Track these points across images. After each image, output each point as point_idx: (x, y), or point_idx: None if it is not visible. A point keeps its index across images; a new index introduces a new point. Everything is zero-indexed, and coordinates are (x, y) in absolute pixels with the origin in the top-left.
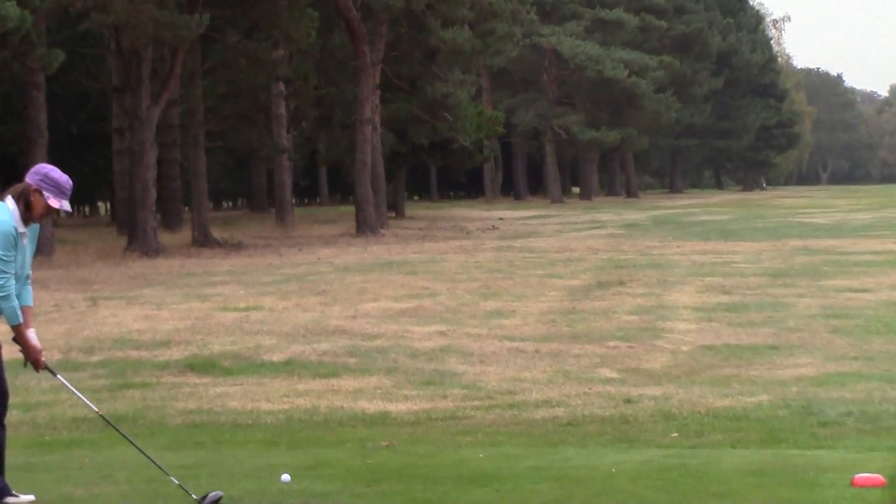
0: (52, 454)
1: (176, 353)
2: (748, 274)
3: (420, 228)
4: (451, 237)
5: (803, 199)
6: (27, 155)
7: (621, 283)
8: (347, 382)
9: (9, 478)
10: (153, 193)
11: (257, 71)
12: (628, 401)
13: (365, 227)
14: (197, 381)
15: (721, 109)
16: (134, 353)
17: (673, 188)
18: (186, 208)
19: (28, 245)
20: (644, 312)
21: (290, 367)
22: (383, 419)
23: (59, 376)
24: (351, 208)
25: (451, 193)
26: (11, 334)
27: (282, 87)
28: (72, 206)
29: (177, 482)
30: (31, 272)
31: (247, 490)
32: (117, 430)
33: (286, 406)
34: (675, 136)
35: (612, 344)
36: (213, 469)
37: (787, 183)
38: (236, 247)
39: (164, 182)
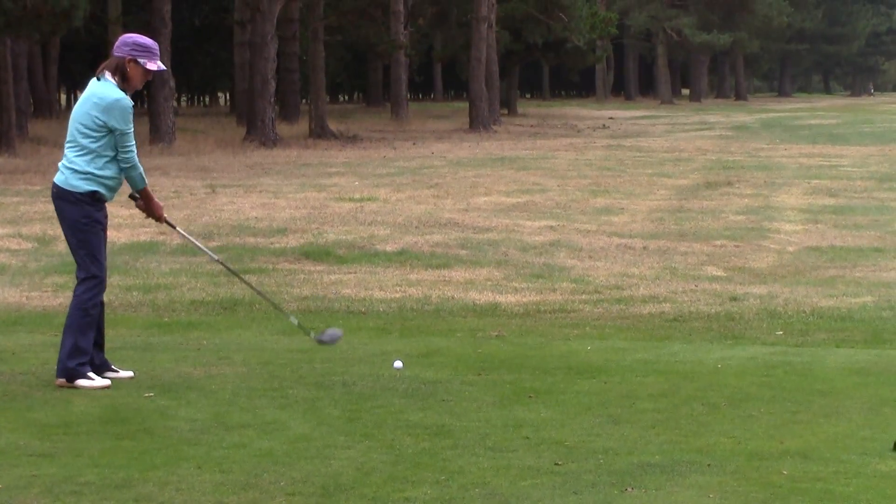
0: (171, 335)
1: (292, 241)
2: (855, 177)
3: (531, 126)
4: (561, 135)
5: None
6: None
7: (729, 183)
8: (459, 274)
9: (128, 356)
10: (272, 85)
11: None
12: (734, 299)
13: (478, 123)
14: (312, 268)
15: (832, 15)
16: (251, 240)
17: (781, 92)
18: (304, 101)
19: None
20: (751, 213)
21: (402, 258)
22: (493, 310)
23: (178, 229)
24: (464, 104)
25: (563, 92)
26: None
27: None
28: (192, 97)
29: (296, 322)
30: None
31: (360, 374)
32: (236, 274)
33: (398, 295)
34: (786, 41)
35: (718, 243)
36: (327, 354)
37: (895, 89)
38: (352, 139)
39: (282, 74)
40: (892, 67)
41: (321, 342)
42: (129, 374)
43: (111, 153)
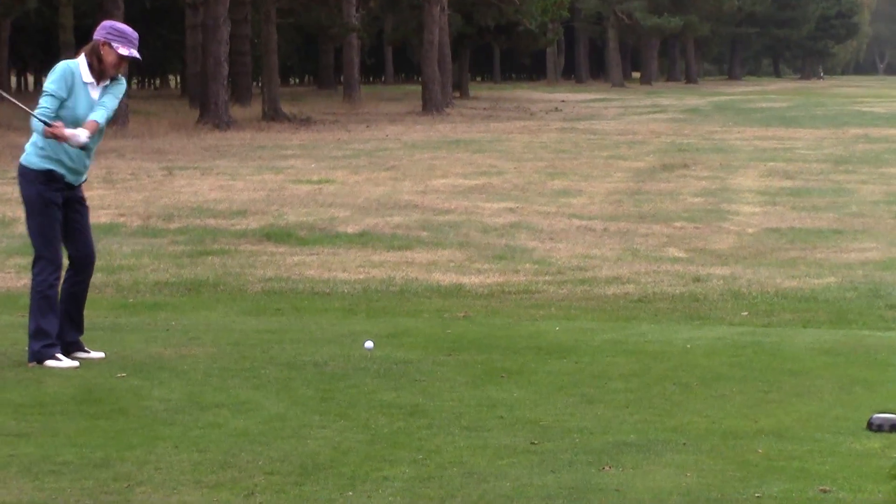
0: (138, 316)
1: (252, 223)
2: (810, 160)
3: (484, 108)
4: (515, 117)
5: (861, 88)
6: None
7: (685, 165)
8: (421, 255)
9: (97, 337)
10: (225, 68)
11: None
12: (697, 279)
13: (431, 105)
14: (274, 249)
15: None
16: (212, 222)
17: (731, 75)
18: (255, 84)
19: (102, 96)
20: (709, 195)
21: (364, 239)
22: (458, 291)
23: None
24: (416, 87)
25: (514, 75)
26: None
27: None
28: (143, 79)
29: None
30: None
31: (331, 355)
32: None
33: (362, 276)
34: (736, 24)
35: (678, 224)
36: (296, 335)
37: (844, 73)
38: (305, 122)
39: (234, 57)
40: (842, 51)
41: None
42: (100, 354)
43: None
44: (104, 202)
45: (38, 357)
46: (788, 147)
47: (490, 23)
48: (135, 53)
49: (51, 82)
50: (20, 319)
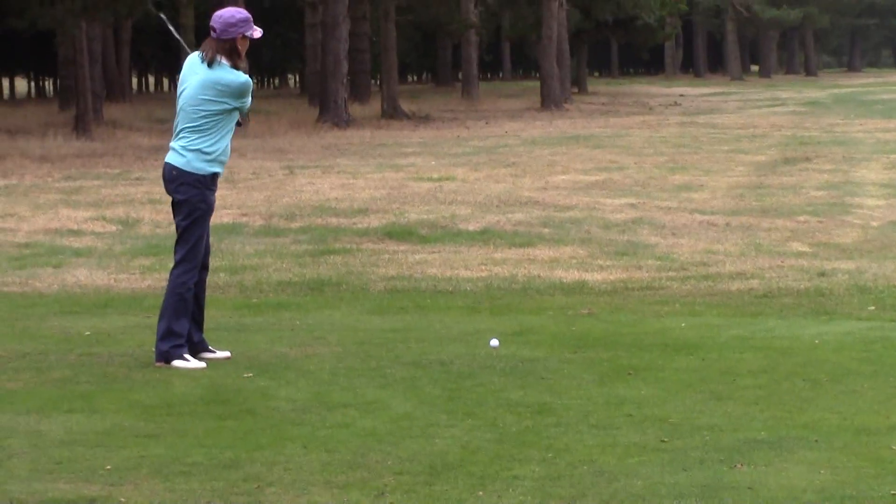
0: (262, 316)
1: (374, 221)
2: None
3: (603, 103)
4: (633, 112)
5: None
6: None
7: (807, 159)
8: (543, 252)
9: (222, 337)
10: (345, 66)
11: None
12: (822, 274)
13: (549, 101)
14: (396, 248)
15: None
16: (333, 220)
17: (851, 67)
18: (374, 81)
19: None
20: (832, 188)
21: (485, 236)
22: (580, 288)
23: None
24: (534, 83)
25: (631, 70)
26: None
27: None
28: (262, 78)
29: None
30: None
31: (456, 353)
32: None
33: (484, 274)
34: (856, 15)
35: (801, 218)
36: (420, 333)
37: None
38: (424, 119)
39: (353, 55)
40: None
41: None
42: (226, 354)
43: (228, 129)
44: (226, 202)
45: (166, 357)
46: None
47: (608, 17)
48: (261, 30)
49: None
50: (146, 320)
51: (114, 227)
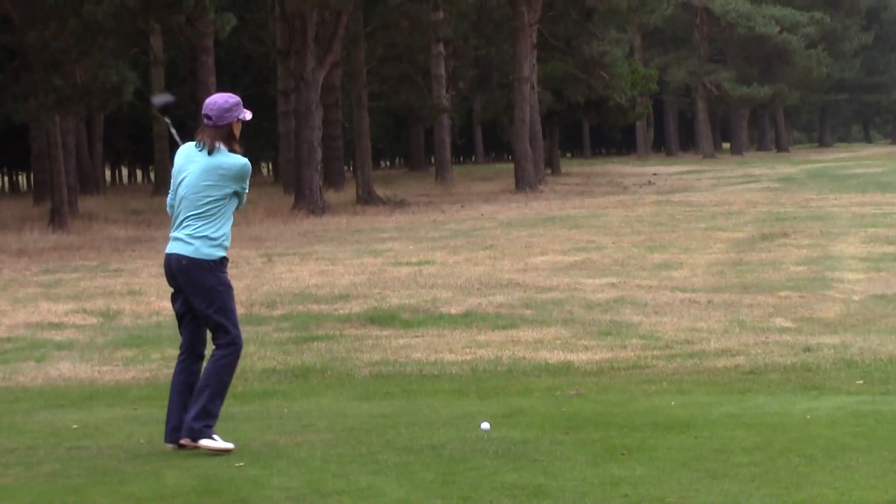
0: (249, 405)
1: (356, 307)
2: None
3: (577, 184)
4: (608, 192)
5: None
6: (197, 117)
7: (785, 234)
8: (526, 333)
9: (216, 428)
10: (319, 153)
11: (418, 32)
12: (808, 349)
13: (524, 183)
14: (379, 333)
15: (870, 64)
16: (315, 307)
17: (822, 142)
18: (347, 167)
19: None
20: (811, 263)
21: (468, 319)
22: (567, 369)
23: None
24: (507, 165)
25: (603, 150)
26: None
27: (441, 48)
28: None
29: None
30: None
31: (447, 437)
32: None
33: (469, 357)
34: (825, 91)
35: (783, 294)
36: (410, 418)
37: None
38: (399, 204)
39: (326, 142)
40: None
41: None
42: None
43: (230, 213)
44: None
45: (194, 435)
46: (887, 212)
47: (580, 99)
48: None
49: (246, 183)
50: (133, 412)
51: (94, 320)
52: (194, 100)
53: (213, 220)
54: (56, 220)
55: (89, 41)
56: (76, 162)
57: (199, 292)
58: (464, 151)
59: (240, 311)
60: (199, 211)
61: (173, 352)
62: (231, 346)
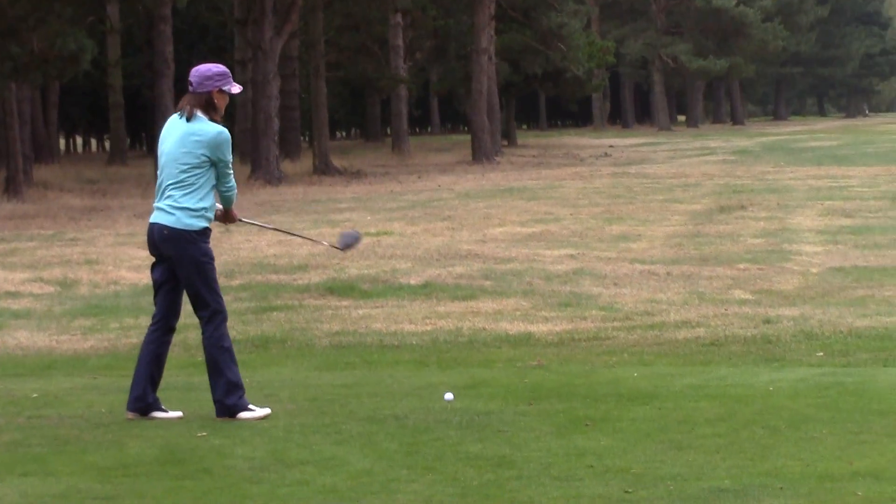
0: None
1: (314, 277)
2: (867, 197)
3: (533, 156)
4: (565, 164)
5: None
6: (154, 86)
7: (742, 207)
8: (486, 304)
9: (172, 396)
10: (276, 123)
11: (376, 2)
12: (767, 321)
13: (481, 154)
14: (338, 303)
15: (826, 38)
16: (273, 277)
17: (777, 115)
18: (303, 138)
19: None
20: (769, 235)
21: (427, 290)
22: (527, 340)
23: (246, 220)
24: (463, 137)
25: (559, 122)
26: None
27: (399, 18)
28: None
29: (326, 244)
30: None
31: (411, 408)
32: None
33: (429, 328)
34: (781, 65)
35: (741, 266)
36: (372, 388)
37: (889, 110)
38: (356, 175)
39: (283, 112)
40: (887, 88)
41: (347, 246)
42: (178, 414)
43: (211, 185)
44: None
45: (231, 411)
46: (843, 185)
47: (537, 70)
48: (240, 87)
49: (230, 153)
50: (93, 381)
51: (51, 289)
52: (151, 69)
53: (193, 190)
54: (11, 188)
55: (46, 8)
56: (31, 130)
57: (181, 262)
58: (420, 122)
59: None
60: (178, 180)
61: (131, 321)
62: (215, 318)
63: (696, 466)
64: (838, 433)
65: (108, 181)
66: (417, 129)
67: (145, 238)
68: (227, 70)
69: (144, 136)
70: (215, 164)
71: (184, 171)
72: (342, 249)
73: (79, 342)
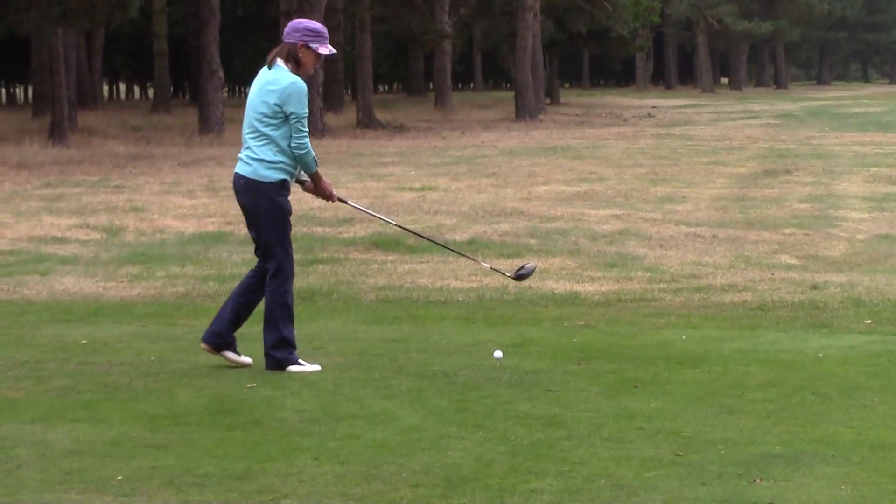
0: (257, 325)
1: (360, 231)
2: None
3: (577, 115)
4: (608, 124)
5: None
6: (199, 35)
7: (787, 171)
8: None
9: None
10: (320, 75)
11: None
12: (815, 287)
13: (524, 112)
14: (383, 257)
15: (871, 2)
16: (319, 230)
17: (820, 80)
18: (346, 91)
19: None
20: (815, 201)
21: (473, 246)
22: (573, 299)
23: (349, 202)
24: (506, 94)
25: (601, 81)
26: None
27: None
28: (233, 87)
29: (488, 265)
30: None
31: (460, 365)
32: (414, 232)
33: (475, 284)
34: (826, 29)
35: (787, 231)
36: (420, 344)
37: None
38: (399, 129)
39: (327, 64)
40: None
41: (520, 277)
42: (248, 360)
43: (288, 138)
44: (209, 210)
45: (280, 364)
46: (889, 152)
47: (582, 29)
48: (333, 50)
49: (304, 107)
50: (141, 329)
51: (98, 235)
52: (196, 18)
53: (267, 141)
54: (56, 133)
55: None
56: (76, 76)
57: (255, 214)
58: (463, 78)
59: (243, 231)
60: (255, 130)
61: (178, 270)
62: (280, 272)
63: (746, 431)
64: (890, 401)
65: (151, 129)
66: (460, 85)
67: (190, 187)
68: (323, 30)
69: (188, 85)
70: (289, 118)
71: (259, 121)
72: (515, 279)
73: (125, 289)
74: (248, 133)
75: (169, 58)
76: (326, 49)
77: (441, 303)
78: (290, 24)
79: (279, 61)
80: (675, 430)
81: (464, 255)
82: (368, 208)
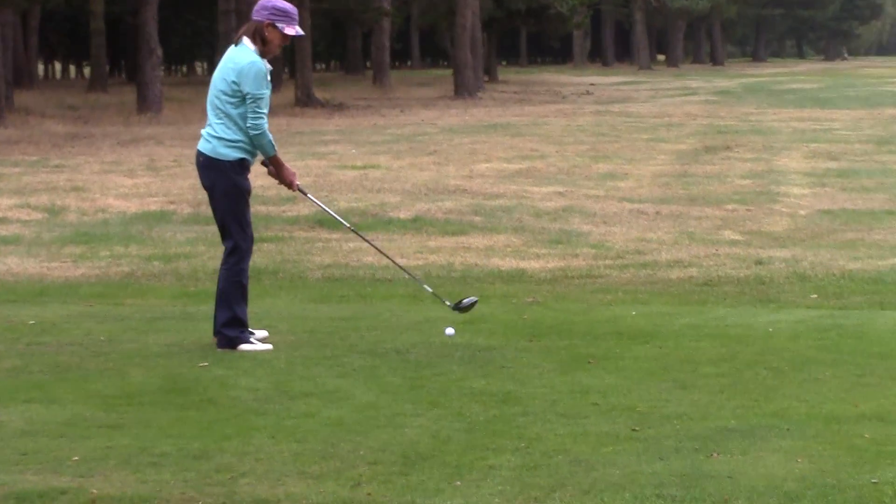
0: (205, 304)
1: (304, 209)
2: (852, 140)
3: (515, 92)
4: (547, 101)
5: (888, 69)
6: (137, 14)
7: (728, 147)
8: (477, 240)
9: (170, 326)
10: None
11: None
12: (760, 262)
13: (463, 89)
14: (328, 236)
15: None
16: (262, 209)
17: (756, 57)
18: (284, 69)
19: (270, 82)
20: (756, 177)
21: (417, 225)
22: (520, 276)
23: (310, 196)
24: (444, 71)
25: (539, 59)
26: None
27: None
28: (169, 66)
29: (430, 290)
30: None
31: (412, 342)
32: (370, 243)
33: (421, 262)
34: (762, 6)
35: (730, 207)
36: (371, 322)
37: (867, 54)
38: (338, 107)
39: None
40: (866, 32)
41: (459, 309)
42: (265, 334)
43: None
44: (151, 190)
45: (232, 342)
46: (827, 128)
47: (520, 6)
48: (300, 31)
49: (260, 88)
50: (89, 309)
51: (39, 215)
52: None
53: (230, 121)
54: None
55: None
56: (12, 55)
57: (213, 192)
58: (400, 56)
59: (186, 210)
60: (217, 109)
61: (121, 249)
62: (236, 251)
63: (701, 406)
64: (841, 375)
65: (89, 108)
66: (397, 63)
67: (130, 166)
68: (292, 10)
69: (124, 64)
70: (245, 99)
71: (218, 98)
72: (454, 309)
73: (70, 269)
74: (210, 110)
75: (106, 36)
76: (293, 30)
77: (387, 280)
78: (259, 3)
79: (245, 39)
80: (630, 405)
81: (416, 280)
82: (318, 199)
